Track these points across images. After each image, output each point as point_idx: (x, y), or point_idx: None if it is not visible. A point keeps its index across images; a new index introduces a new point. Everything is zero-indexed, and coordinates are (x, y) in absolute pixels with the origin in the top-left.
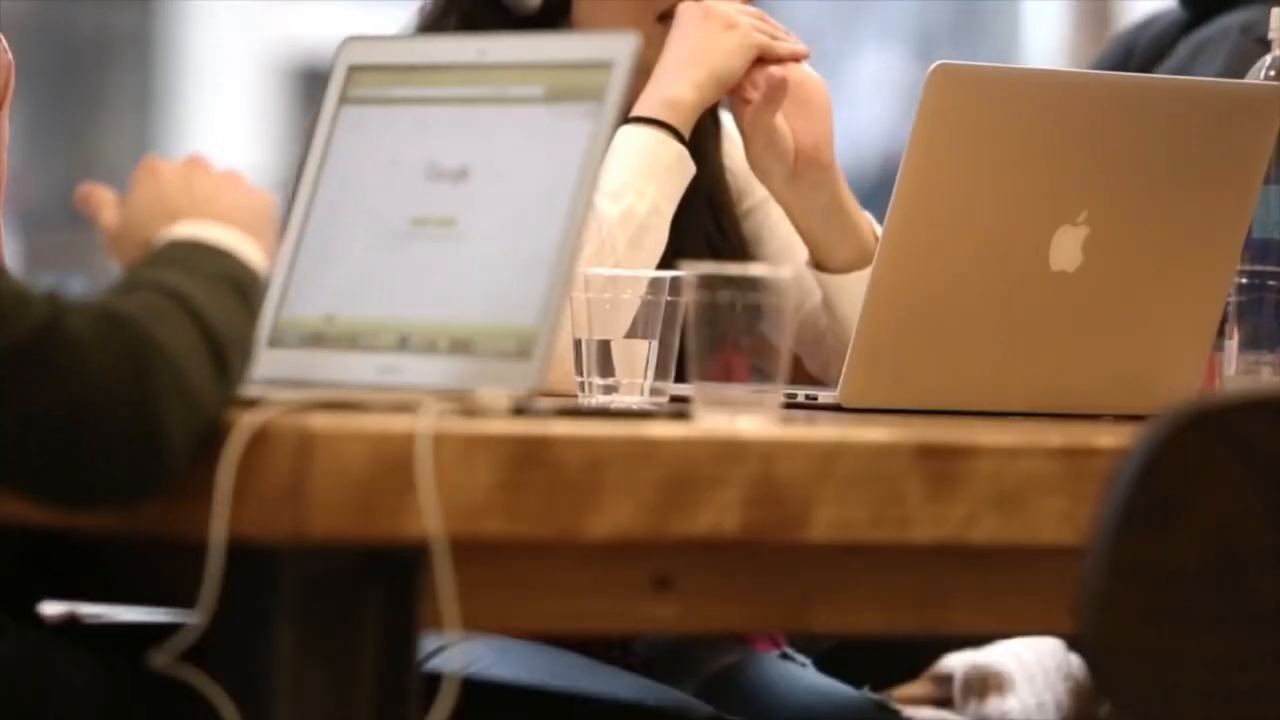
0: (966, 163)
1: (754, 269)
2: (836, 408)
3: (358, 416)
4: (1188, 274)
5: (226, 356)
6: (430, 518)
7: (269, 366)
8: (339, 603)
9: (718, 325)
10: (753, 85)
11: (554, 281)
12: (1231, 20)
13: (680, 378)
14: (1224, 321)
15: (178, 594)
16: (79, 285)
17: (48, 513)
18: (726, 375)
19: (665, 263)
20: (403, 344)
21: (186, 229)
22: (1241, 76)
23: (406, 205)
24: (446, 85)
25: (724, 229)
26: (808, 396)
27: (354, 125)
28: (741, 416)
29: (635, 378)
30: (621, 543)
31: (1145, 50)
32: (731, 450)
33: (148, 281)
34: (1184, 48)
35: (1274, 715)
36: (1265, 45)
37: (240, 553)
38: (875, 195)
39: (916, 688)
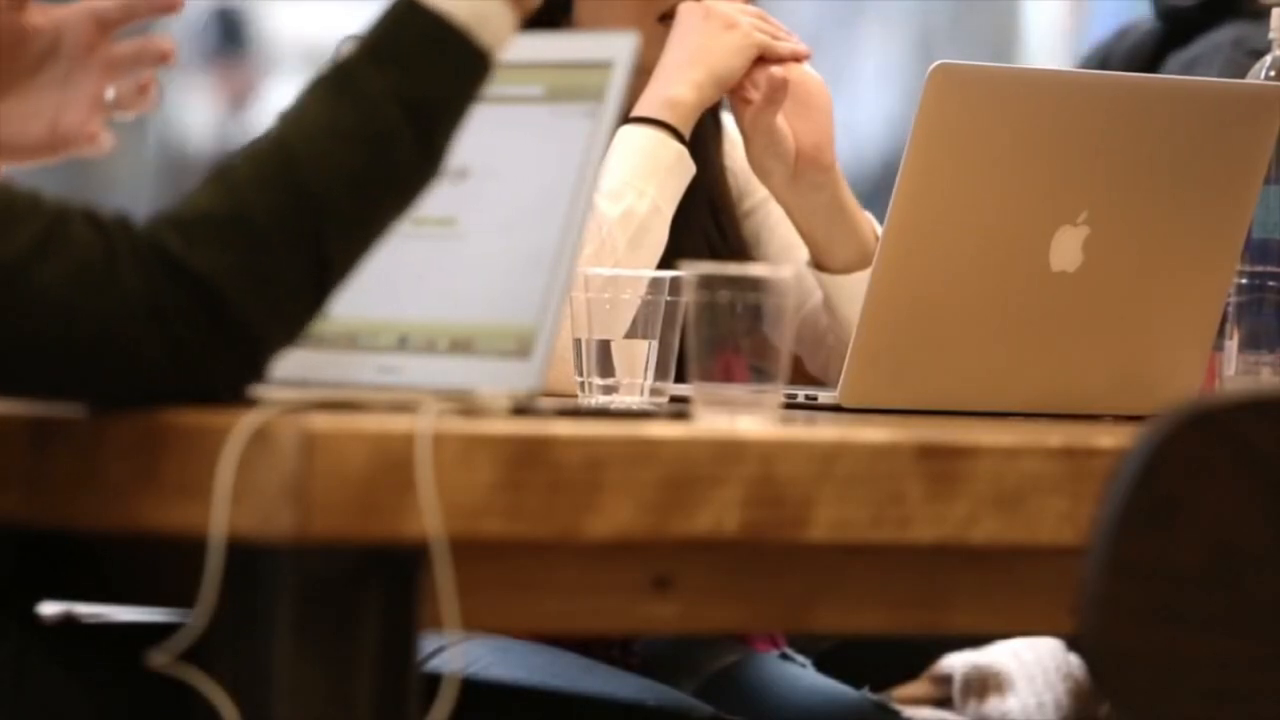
0: (966, 163)
1: (754, 269)
2: (836, 408)
3: (358, 416)
4: (1188, 274)
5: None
6: (430, 518)
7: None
8: (339, 602)
9: (718, 325)
10: (753, 85)
11: (554, 281)
12: (1221, 37)
13: (680, 378)
14: (1224, 321)
15: (178, 594)
16: None
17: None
18: (726, 375)
19: (665, 263)
20: (402, 344)
21: None
22: None
23: None
24: None
25: (724, 229)
26: (808, 396)
27: None
28: (741, 416)
29: (635, 378)
30: (621, 543)
31: (1122, 60)
32: (731, 450)
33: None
34: (1173, 65)
35: (1274, 715)
36: (1260, 59)
37: (240, 552)
38: (875, 195)
39: (916, 688)
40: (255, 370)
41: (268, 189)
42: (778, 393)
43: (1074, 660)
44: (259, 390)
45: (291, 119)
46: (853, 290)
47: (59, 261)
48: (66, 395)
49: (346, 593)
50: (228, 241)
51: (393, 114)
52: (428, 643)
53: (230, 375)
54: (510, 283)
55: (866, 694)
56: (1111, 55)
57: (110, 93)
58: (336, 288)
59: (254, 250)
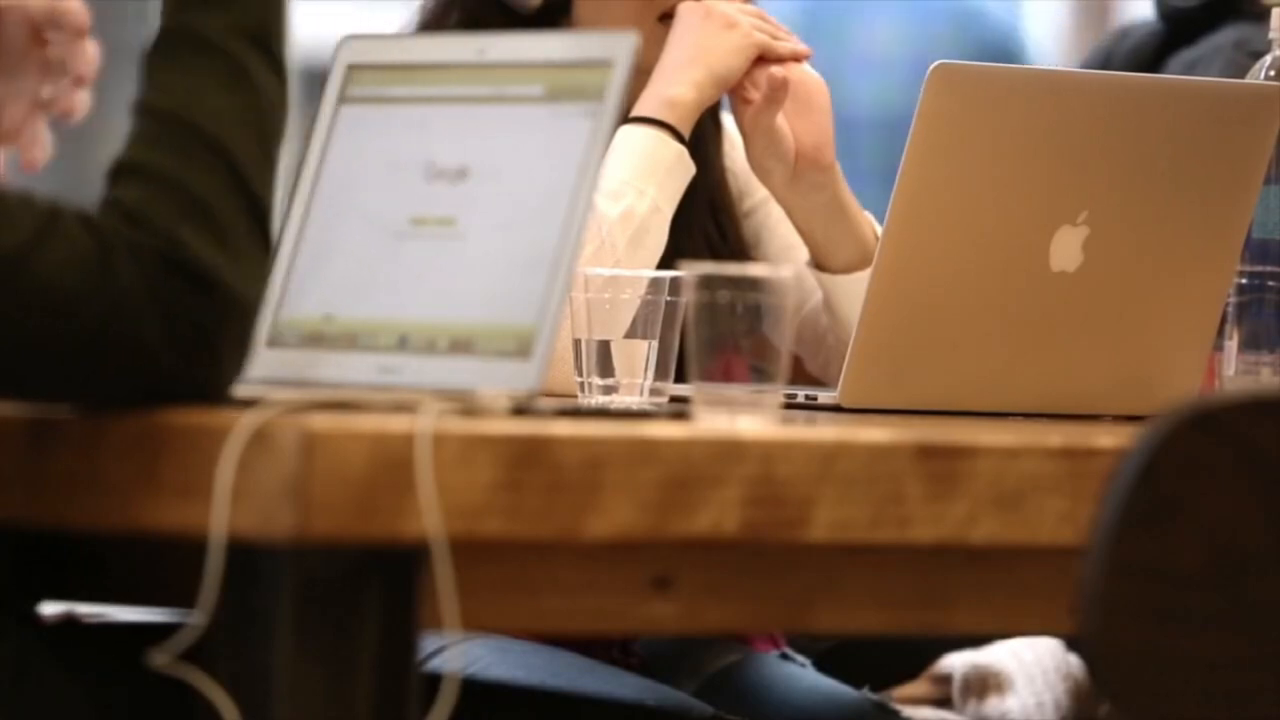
0: (966, 163)
1: (754, 269)
2: (836, 408)
3: (358, 416)
4: (1188, 274)
5: (261, 204)
6: (430, 518)
7: (269, 366)
8: (339, 603)
9: (718, 325)
10: (753, 85)
11: (553, 281)
12: (1222, 38)
13: (680, 378)
14: (1224, 321)
15: (178, 594)
16: None
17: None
18: (726, 375)
19: (665, 263)
20: (402, 344)
21: None
22: None
23: (406, 205)
24: (446, 84)
25: (724, 230)
26: (808, 396)
27: (353, 124)
28: (741, 416)
29: (635, 378)
30: (621, 543)
31: (1123, 60)
32: (731, 450)
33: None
34: (1175, 66)
35: (1274, 715)
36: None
37: (240, 552)
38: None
39: (916, 688)
40: (249, 338)
41: (190, 161)
42: (778, 393)
43: (1074, 660)
44: (259, 390)
45: (160, 92)
46: (853, 290)
47: (57, 255)
48: (72, 392)
49: (346, 593)
50: (195, 224)
51: (242, 48)
52: (428, 643)
53: (232, 349)
54: (510, 283)
55: (866, 694)
56: (1113, 56)
57: (47, 90)
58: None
59: (216, 222)
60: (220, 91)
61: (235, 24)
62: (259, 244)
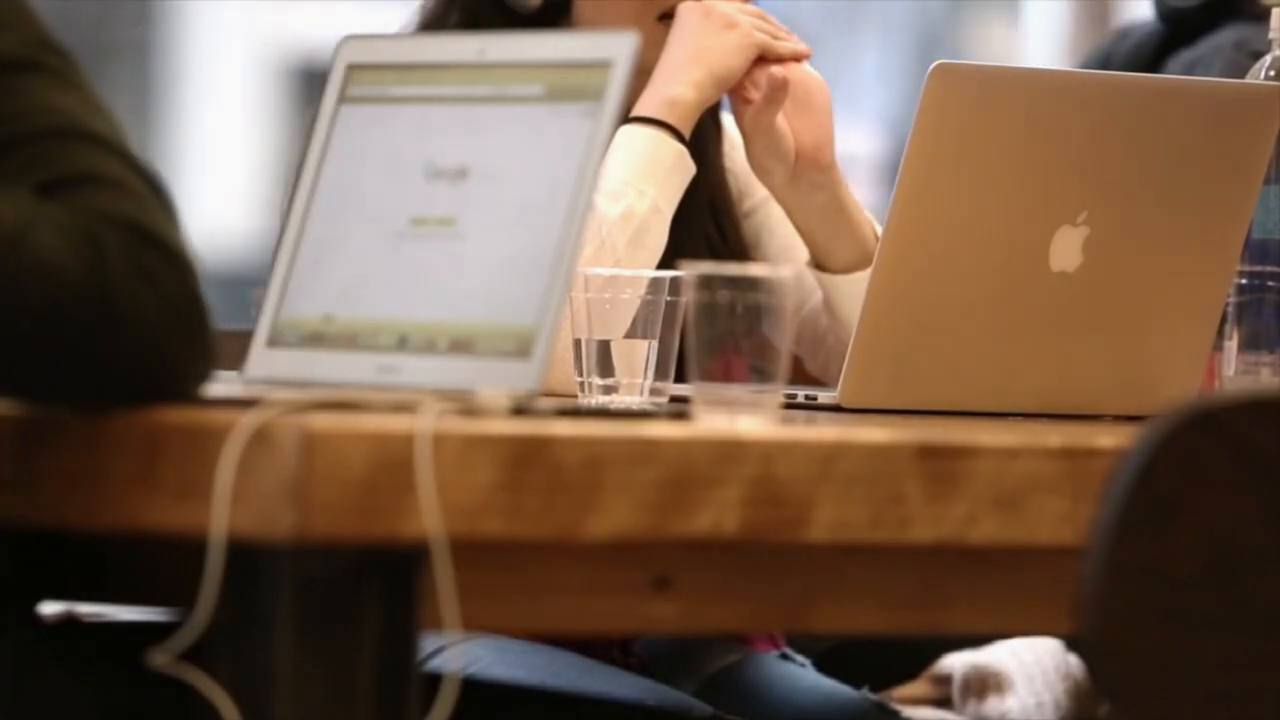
0: (966, 163)
1: (754, 269)
2: (836, 408)
3: (358, 416)
4: (1188, 274)
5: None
6: (430, 518)
7: (269, 366)
8: (339, 603)
9: (718, 325)
10: (753, 85)
11: (554, 281)
12: (1222, 39)
13: (680, 378)
14: (1224, 321)
15: (178, 594)
16: None
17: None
18: (726, 375)
19: (665, 263)
20: (402, 344)
21: None
22: None
23: (406, 204)
24: (446, 84)
25: (724, 230)
26: (808, 396)
27: (353, 124)
28: (741, 416)
29: (635, 378)
30: (621, 543)
31: (1123, 61)
32: (731, 450)
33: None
34: (1174, 67)
35: (1274, 716)
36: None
37: (240, 552)
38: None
39: (916, 688)
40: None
41: (91, 158)
42: (778, 393)
43: (1073, 660)
44: (259, 390)
45: (20, 117)
46: (853, 290)
47: (49, 236)
48: (75, 388)
49: (346, 593)
50: (133, 205)
51: (41, 55)
52: (428, 643)
53: (210, 312)
54: (510, 283)
55: (866, 694)
56: (1113, 56)
57: None
58: None
59: (137, 196)
60: (60, 94)
61: (24, 38)
62: (170, 205)
